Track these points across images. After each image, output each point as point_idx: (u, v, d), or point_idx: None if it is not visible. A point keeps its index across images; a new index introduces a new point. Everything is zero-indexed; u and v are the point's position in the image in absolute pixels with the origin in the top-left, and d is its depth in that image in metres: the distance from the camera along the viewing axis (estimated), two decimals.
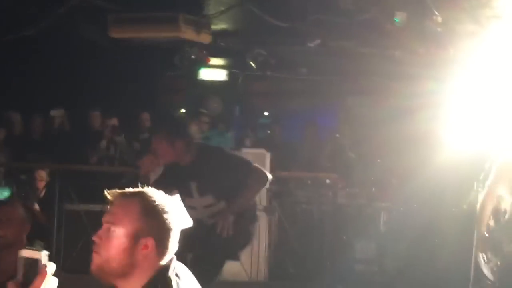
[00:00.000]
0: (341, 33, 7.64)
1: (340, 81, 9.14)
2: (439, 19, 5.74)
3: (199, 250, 3.95)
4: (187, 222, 2.12)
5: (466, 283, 4.88)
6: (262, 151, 6.93)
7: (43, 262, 1.55)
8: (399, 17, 6.14)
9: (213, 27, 7.35)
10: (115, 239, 2.02)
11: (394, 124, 7.49)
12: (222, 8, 7.04)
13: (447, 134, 7.22)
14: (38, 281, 1.53)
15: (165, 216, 2.07)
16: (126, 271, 2.03)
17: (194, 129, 7.53)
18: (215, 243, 3.99)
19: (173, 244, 2.09)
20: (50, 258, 1.61)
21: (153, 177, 4.15)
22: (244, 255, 6.60)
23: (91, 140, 7.26)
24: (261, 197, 6.60)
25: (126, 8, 6.87)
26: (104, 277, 2.05)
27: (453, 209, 6.27)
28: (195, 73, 8.63)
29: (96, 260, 2.03)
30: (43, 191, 6.57)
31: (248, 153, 6.91)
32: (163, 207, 2.08)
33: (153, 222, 2.05)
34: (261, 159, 6.79)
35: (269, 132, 8.91)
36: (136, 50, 8.00)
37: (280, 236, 7.16)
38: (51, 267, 1.58)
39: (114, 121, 7.73)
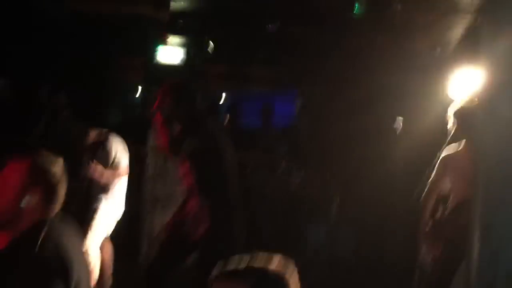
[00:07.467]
0: (303, 19, 7.51)
1: (298, 69, 9.01)
2: (398, 7, 5.69)
3: None
4: None
5: (412, 274, 4.89)
6: None
7: None
8: (359, 5, 6.07)
9: (172, 4, 7.18)
10: None
11: (350, 115, 7.42)
12: None
13: (402, 128, 7.22)
14: None
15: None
16: None
17: None
18: None
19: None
20: None
21: None
22: None
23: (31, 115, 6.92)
24: None
25: None
26: None
27: (403, 201, 6.30)
28: (152, 52, 8.40)
29: None
30: None
31: None
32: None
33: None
34: None
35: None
36: (92, 24, 7.75)
37: None
38: None
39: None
